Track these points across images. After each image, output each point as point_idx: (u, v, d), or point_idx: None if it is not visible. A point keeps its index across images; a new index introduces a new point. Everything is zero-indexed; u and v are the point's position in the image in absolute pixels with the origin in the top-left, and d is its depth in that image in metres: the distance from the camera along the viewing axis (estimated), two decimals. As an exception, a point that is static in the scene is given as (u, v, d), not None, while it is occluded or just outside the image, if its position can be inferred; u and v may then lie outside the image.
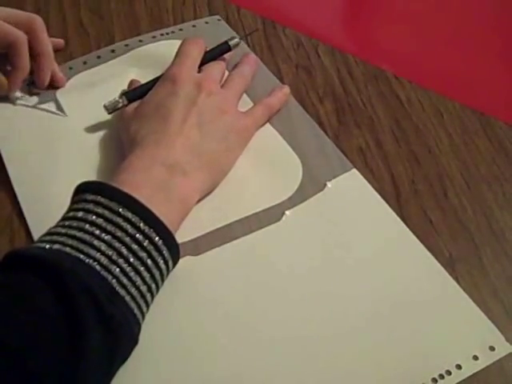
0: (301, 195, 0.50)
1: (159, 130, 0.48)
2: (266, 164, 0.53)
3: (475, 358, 0.41)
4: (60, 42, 0.61)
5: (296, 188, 0.51)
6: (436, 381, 0.40)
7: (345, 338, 0.42)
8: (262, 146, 0.53)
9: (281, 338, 0.42)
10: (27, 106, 0.56)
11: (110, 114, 0.53)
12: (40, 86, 0.56)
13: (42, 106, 0.56)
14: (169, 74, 0.51)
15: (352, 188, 0.51)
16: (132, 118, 0.50)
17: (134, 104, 0.52)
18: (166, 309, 0.43)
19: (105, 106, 0.52)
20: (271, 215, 0.49)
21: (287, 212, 0.49)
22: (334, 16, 0.68)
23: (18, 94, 0.56)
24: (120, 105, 0.52)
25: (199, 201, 0.49)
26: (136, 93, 0.52)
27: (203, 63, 0.54)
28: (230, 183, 0.51)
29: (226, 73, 0.57)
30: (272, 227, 0.48)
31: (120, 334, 0.37)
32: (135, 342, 0.39)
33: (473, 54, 0.63)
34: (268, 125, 0.55)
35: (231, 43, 0.56)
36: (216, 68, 0.54)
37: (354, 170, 0.52)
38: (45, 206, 0.48)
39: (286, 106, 0.57)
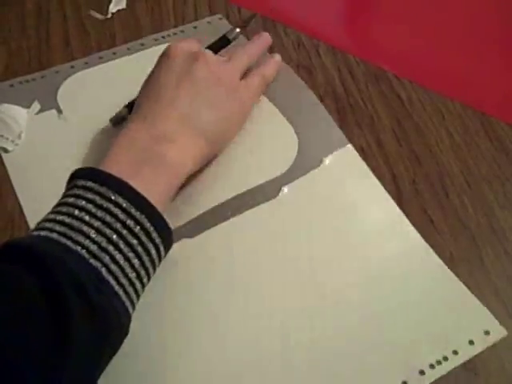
0: (297, 170, 0.50)
1: (151, 105, 0.47)
2: (262, 138, 0.52)
3: (471, 342, 0.42)
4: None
5: (291, 163, 0.50)
6: (433, 366, 0.41)
7: (341, 324, 0.43)
8: (259, 120, 0.53)
9: (279, 321, 0.43)
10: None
11: (114, 126, 0.53)
12: None
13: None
14: (165, 51, 0.49)
15: (347, 164, 0.51)
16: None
17: None
18: (162, 292, 0.43)
19: (110, 120, 0.53)
20: (267, 191, 0.49)
21: (284, 188, 0.49)
22: (335, 16, 0.68)
23: None
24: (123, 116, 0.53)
25: (193, 179, 0.48)
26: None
27: None
28: (223, 159, 0.50)
29: None
30: (268, 204, 0.48)
31: (108, 324, 0.36)
32: (125, 332, 0.38)
33: (474, 54, 0.62)
34: (265, 98, 0.55)
35: (230, 36, 0.55)
36: (216, 56, 0.52)
37: (349, 146, 0.52)
38: (45, 205, 0.48)
39: (287, 80, 0.57)
